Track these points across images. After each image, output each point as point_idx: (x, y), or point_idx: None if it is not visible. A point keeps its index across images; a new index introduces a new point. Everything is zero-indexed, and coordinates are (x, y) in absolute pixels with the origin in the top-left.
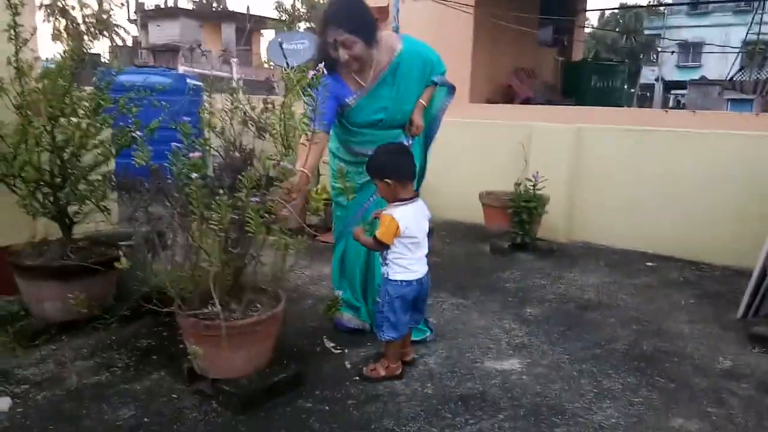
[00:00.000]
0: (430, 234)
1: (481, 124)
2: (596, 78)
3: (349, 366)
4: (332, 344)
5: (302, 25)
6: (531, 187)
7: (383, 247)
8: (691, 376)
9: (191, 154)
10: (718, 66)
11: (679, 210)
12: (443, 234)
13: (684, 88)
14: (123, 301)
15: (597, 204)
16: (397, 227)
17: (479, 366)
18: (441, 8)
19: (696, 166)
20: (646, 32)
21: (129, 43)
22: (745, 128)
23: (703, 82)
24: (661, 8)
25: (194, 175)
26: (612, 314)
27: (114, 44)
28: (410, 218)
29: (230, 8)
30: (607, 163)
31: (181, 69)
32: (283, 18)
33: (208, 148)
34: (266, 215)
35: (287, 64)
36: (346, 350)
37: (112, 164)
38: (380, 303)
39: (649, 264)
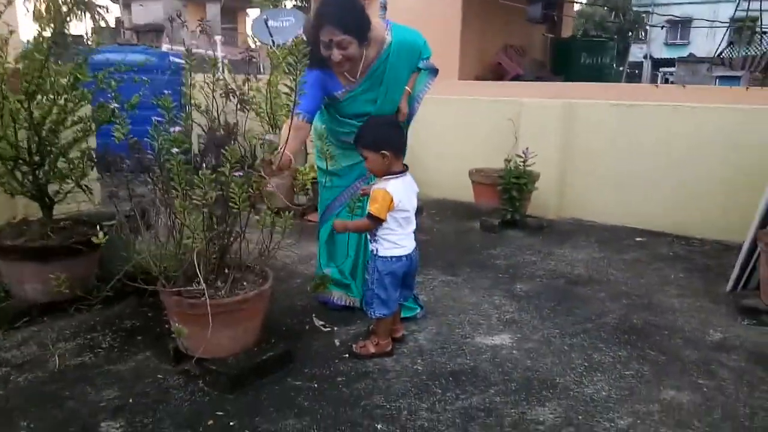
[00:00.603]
0: (419, 212)
1: (470, 101)
2: (586, 55)
3: (338, 343)
4: (321, 322)
5: (289, 3)
6: (521, 164)
7: (378, 223)
8: (682, 349)
9: (172, 129)
10: (706, 43)
11: (669, 185)
12: (432, 212)
13: (672, 65)
14: (106, 282)
15: (587, 180)
16: (391, 200)
17: (470, 342)
18: None
19: (686, 141)
20: (635, 9)
21: (112, 23)
22: (736, 102)
23: (692, 59)
24: None
25: (175, 150)
26: (602, 289)
27: (97, 24)
28: (402, 191)
29: None
30: (597, 138)
31: (165, 47)
32: None
33: (190, 122)
34: (251, 191)
35: (273, 41)
36: (335, 328)
37: (93, 141)
38: (369, 280)
39: (639, 239)
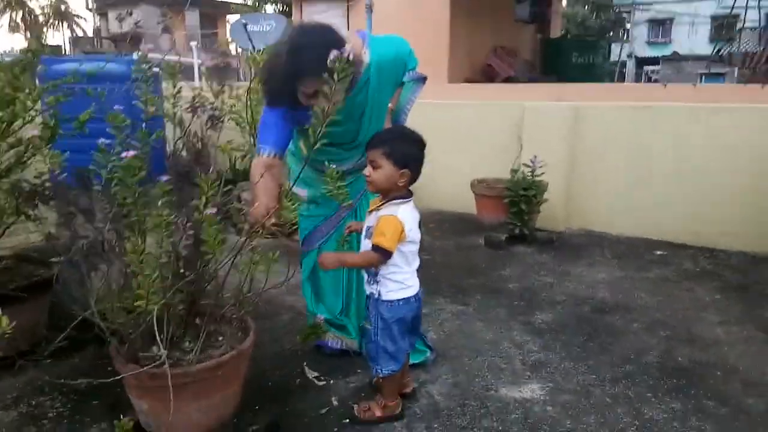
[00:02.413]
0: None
1: (464, 105)
2: (577, 55)
3: (336, 403)
4: (315, 374)
5: (269, 8)
6: (529, 173)
7: (387, 258)
8: (743, 396)
9: (124, 153)
10: (687, 42)
11: (687, 192)
12: (431, 226)
13: (655, 63)
14: (57, 331)
15: (596, 188)
16: (402, 230)
17: (493, 395)
18: None
19: (703, 143)
20: (616, 9)
21: (89, 33)
22: (752, 102)
23: (676, 57)
24: None
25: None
26: (633, 318)
27: (74, 35)
28: (411, 219)
29: None
30: (607, 143)
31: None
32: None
33: (147, 142)
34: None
35: (253, 46)
36: (331, 381)
37: (40, 168)
38: (372, 331)
39: (660, 253)
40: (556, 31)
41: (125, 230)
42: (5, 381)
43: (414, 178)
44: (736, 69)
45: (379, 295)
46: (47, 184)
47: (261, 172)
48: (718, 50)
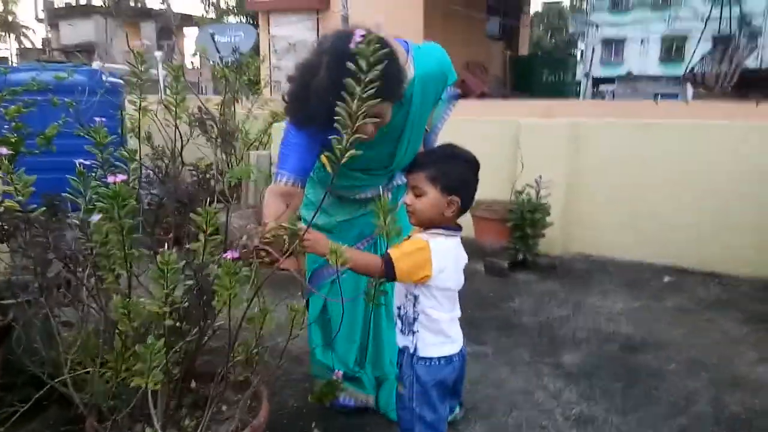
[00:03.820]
0: None
1: (457, 122)
2: (547, 72)
3: None
4: None
5: (231, 19)
6: (534, 195)
7: (389, 274)
8: None
9: (111, 178)
10: (639, 62)
11: (691, 215)
12: None
13: (611, 83)
14: (13, 391)
15: (597, 210)
16: (429, 264)
17: None
18: None
19: (705, 163)
20: (570, 30)
21: (39, 44)
22: (746, 119)
23: (630, 77)
24: (584, 5)
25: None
26: (667, 356)
27: (21, 46)
28: (449, 258)
29: (150, 5)
30: (606, 162)
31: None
32: (210, 15)
33: (136, 166)
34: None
35: (220, 58)
36: None
37: None
38: (406, 395)
39: (668, 279)
40: (523, 48)
41: (108, 274)
42: None
43: (465, 207)
44: (689, 87)
45: (416, 350)
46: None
47: (276, 202)
48: (692, 69)
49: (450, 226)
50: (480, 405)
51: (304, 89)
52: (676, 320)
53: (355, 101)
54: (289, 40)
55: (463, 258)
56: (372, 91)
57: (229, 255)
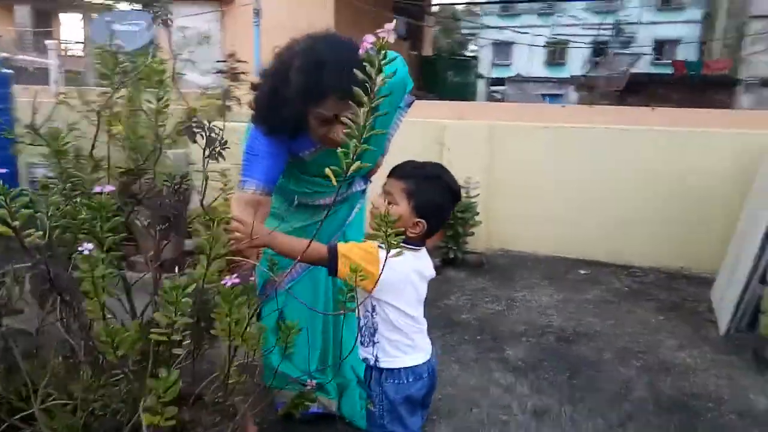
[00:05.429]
0: None
1: None
2: (452, 74)
3: None
4: None
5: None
6: (465, 195)
7: (332, 265)
8: (741, 429)
9: (98, 188)
10: (526, 65)
11: (600, 211)
12: None
13: (502, 84)
14: None
15: (513, 208)
16: (376, 261)
17: None
18: None
19: (618, 165)
20: (463, 32)
21: None
22: (645, 124)
23: (519, 78)
24: (477, 9)
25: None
26: (598, 346)
27: None
28: (402, 270)
29: None
30: (523, 163)
31: None
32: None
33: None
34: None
35: (119, 47)
36: None
37: None
38: (377, 413)
39: (583, 272)
40: (428, 48)
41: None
42: None
43: (431, 232)
44: (570, 90)
45: (377, 362)
46: None
47: (243, 211)
48: (587, 72)
49: (410, 241)
50: (442, 405)
51: (273, 95)
52: (600, 311)
53: (363, 110)
54: (192, 32)
55: (427, 268)
56: (380, 100)
57: (228, 282)
